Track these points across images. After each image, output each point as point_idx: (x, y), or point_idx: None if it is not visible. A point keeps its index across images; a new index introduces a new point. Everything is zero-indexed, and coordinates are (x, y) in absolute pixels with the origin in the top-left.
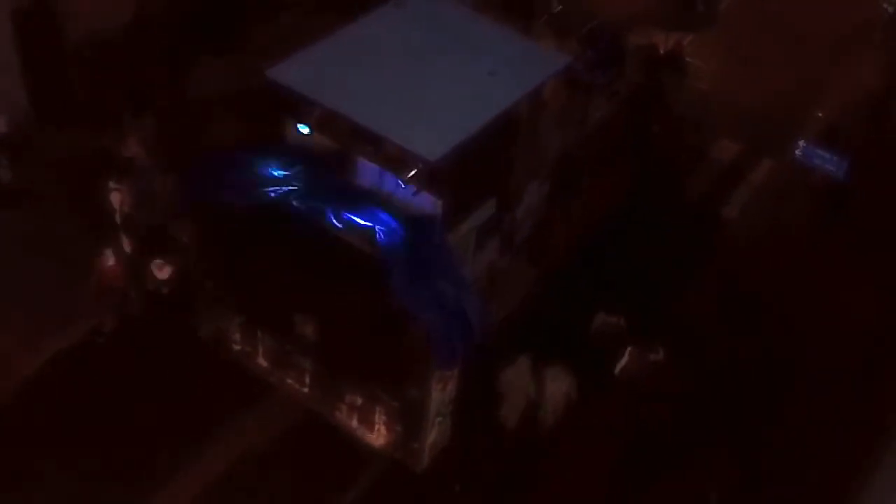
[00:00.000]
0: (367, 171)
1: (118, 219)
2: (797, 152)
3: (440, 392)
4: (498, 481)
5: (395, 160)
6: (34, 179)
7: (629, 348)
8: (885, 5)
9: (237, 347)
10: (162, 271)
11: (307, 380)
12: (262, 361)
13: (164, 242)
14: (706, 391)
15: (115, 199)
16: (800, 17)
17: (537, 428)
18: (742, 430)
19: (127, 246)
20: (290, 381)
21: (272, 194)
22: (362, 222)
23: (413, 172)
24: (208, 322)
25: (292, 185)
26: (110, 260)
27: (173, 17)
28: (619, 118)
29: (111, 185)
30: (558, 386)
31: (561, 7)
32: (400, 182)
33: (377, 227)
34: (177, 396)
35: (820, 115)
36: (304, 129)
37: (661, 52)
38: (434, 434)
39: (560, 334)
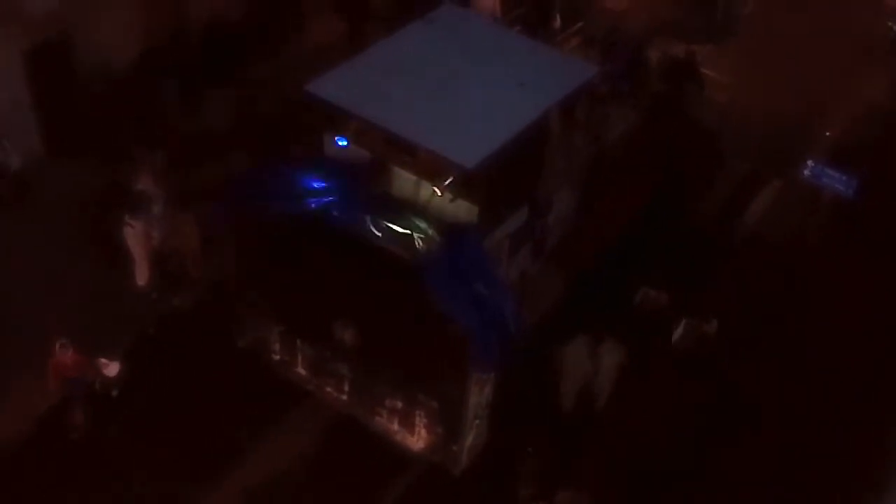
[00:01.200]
0: (404, 181)
1: (134, 253)
2: (806, 172)
3: (478, 395)
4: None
5: (431, 169)
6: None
7: (684, 320)
8: (892, 24)
9: (276, 357)
10: (108, 368)
11: (346, 387)
12: (301, 370)
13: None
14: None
15: (129, 233)
16: (808, 37)
17: (594, 402)
18: (742, 432)
19: (141, 278)
20: (328, 388)
21: (311, 205)
22: (400, 230)
23: (449, 180)
24: (247, 333)
25: (331, 196)
26: (68, 351)
27: (182, 51)
28: (642, 128)
29: (126, 219)
30: (613, 359)
31: (583, 22)
32: (436, 190)
33: (415, 235)
34: (213, 408)
35: (828, 133)
36: (343, 142)
37: (681, 62)
38: (472, 436)
39: (610, 313)
